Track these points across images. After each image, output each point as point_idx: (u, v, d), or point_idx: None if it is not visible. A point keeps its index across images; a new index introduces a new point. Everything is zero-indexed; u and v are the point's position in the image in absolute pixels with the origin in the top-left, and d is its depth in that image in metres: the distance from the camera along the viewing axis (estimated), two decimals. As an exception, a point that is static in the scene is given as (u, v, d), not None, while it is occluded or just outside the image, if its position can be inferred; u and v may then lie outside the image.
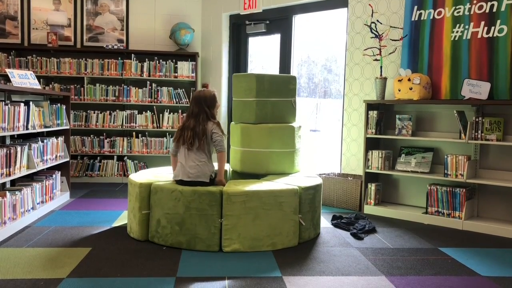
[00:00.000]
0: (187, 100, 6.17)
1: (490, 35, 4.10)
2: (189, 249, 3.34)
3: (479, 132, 4.01)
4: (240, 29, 6.38)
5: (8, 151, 3.61)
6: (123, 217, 4.24)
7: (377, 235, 3.86)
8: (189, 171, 3.46)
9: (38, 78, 5.39)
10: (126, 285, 2.68)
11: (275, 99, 4.05)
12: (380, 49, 4.63)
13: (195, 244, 3.34)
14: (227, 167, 4.36)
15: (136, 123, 6.16)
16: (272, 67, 6.22)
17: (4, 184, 3.95)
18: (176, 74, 6.13)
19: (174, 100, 6.16)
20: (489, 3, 4.10)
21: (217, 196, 3.34)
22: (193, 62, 6.14)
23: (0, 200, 3.48)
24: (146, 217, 3.51)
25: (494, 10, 4.07)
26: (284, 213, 3.42)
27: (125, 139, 6.15)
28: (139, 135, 6.20)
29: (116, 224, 4.02)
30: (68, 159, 4.97)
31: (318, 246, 3.52)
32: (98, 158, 6.16)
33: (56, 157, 4.67)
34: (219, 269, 2.98)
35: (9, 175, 3.66)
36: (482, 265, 3.17)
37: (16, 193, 3.76)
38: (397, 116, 4.55)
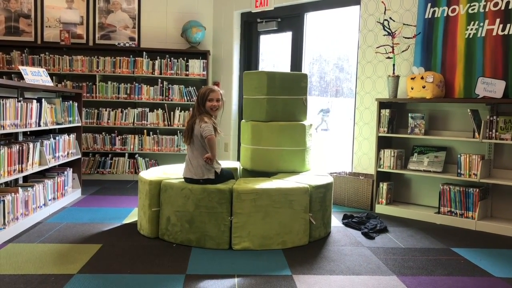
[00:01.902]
0: (198, 98, 6.17)
1: (506, 32, 4.03)
2: (199, 247, 3.33)
3: (493, 131, 3.94)
4: (251, 27, 6.37)
5: (20, 148, 3.64)
6: (133, 214, 4.25)
7: (388, 235, 3.82)
8: (193, 169, 3.46)
9: (51, 75, 5.43)
10: (136, 281, 2.68)
11: (286, 97, 4.03)
12: (392, 47, 4.58)
13: (204, 242, 3.33)
14: (237, 165, 4.35)
15: (147, 121, 6.17)
16: (283, 66, 6.19)
17: (16, 180, 3.99)
18: (187, 72, 6.14)
19: (185, 98, 6.17)
20: (505, 0, 4.03)
21: (227, 194, 3.33)
22: (204, 60, 6.14)
23: (13, 196, 3.50)
24: (156, 214, 3.52)
25: (510, 7, 4.00)
26: (295, 212, 3.40)
27: (137, 136, 6.17)
28: (150, 132, 6.22)
29: (127, 221, 4.04)
30: (79, 156, 5.00)
31: (329, 245, 3.49)
32: (110, 155, 6.19)
33: (68, 154, 4.70)
34: (228, 266, 2.97)
35: (22, 171, 3.69)
36: (496, 266, 3.12)
37: (28, 189, 3.79)
38: (409, 114, 4.50)
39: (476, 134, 4.04)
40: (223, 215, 3.32)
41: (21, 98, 3.96)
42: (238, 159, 5.10)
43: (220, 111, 3.66)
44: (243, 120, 4.25)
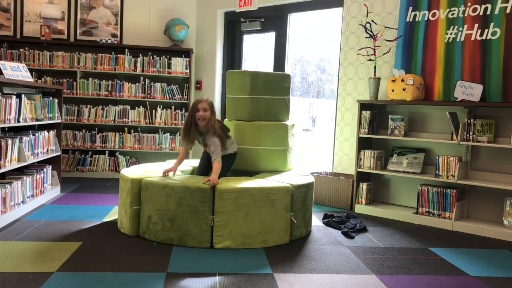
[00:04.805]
0: (181, 96, 6.15)
1: (484, 37, 4.13)
2: (180, 245, 3.33)
3: (471, 133, 4.04)
4: (235, 26, 6.37)
5: (-2, 144, 3.58)
6: (113, 212, 4.22)
7: (367, 234, 3.88)
8: None
9: (31, 71, 5.33)
10: (116, 279, 2.67)
11: (269, 96, 4.05)
12: (374, 49, 4.65)
13: (186, 241, 3.33)
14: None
15: (128, 119, 6.13)
16: (266, 66, 6.21)
17: (-6, 177, 3.92)
18: (169, 70, 6.11)
19: (167, 96, 6.14)
20: (483, 6, 4.12)
21: (209, 193, 3.33)
22: (187, 59, 6.12)
23: (-10, 193, 3.44)
24: (137, 212, 3.50)
25: (488, 13, 4.10)
26: (276, 211, 3.43)
27: (117, 134, 6.12)
28: (131, 130, 6.17)
29: (107, 219, 4.00)
30: (59, 153, 4.94)
31: (309, 244, 3.52)
32: (90, 153, 6.12)
33: (47, 151, 4.63)
34: (210, 265, 2.98)
35: None
36: (471, 265, 3.20)
37: (6, 186, 3.73)
38: (389, 116, 4.57)
39: (454, 136, 4.13)
40: (205, 214, 3.32)
41: (0, 94, 3.88)
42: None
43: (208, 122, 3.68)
44: (226, 119, 4.25)
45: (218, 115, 6.31)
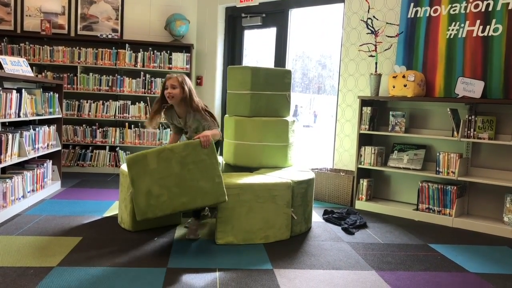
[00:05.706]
0: (181, 91, 6.13)
1: (485, 34, 4.12)
2: (194, 209, 3.12)
3: (472, 130, 4.03)
4: (236, 22, 6.35)
5: (-1, 138, 3.58)
6: (114, 207, 4.22)
7: (368, 230, 3.88)
8: None
9: (31, 65, 5.32)
10: (116, 275, 2.67)
11: (270, 92, 4.04)
12: (375, 45, 4.63)
13: (202, 200, 3.05)
14: (220, 159, 4.34)
15: (129, 114, 6.12)
16: (267, 61, 6.20)
17: (-6, 171, 3.92)
18: (170, 66, 6.10)
19: (168, 91, 6.12)
20: (485, 2, 4.11)
21: (212, 143, 3.15)
22: (187, 54, 6.11)
23: (-10, 188, 3.45)
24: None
25: (490, 9, 4.09)
26: (278, 206, 3.43)
27: (118, 129, 6.11)
28: (132, 125, 6.17)
29: (107, 214, 4.01)
30: (59, 148, 4.94)
31: (309, 240, 3.53)
32: (90, 148, 6.12)
33: (47, 145, 4.63)
34: (210, 261, 2.98)
35: (0, 162, 3.62)
36: (471, 261, 3.20)
37: (7, 181, 3.73)
38: (390, 112, 4.56)
39: (455, 133, 4.12)
40: (214, 165, 3.09)
41: (0, 88, 3.88)
42: (221, 154, 5.10)
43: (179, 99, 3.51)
44: (226, 115, 4.25)
45: (218, 112, 6.32)
